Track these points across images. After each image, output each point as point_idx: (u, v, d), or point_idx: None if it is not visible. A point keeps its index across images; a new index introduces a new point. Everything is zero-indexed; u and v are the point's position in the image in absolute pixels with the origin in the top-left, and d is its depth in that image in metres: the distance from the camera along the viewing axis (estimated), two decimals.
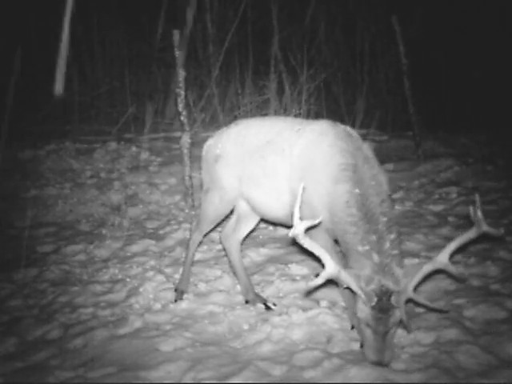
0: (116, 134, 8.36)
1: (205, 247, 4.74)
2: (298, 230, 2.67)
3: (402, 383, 2.69)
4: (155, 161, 7.24)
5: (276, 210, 3.45)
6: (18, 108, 8.23)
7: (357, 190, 2.94)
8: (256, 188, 3.49)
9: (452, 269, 2.79)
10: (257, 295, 3.76)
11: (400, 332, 3.10)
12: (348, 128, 3.27)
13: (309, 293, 3.32)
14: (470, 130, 8.30)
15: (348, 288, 2.84)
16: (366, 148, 3.16)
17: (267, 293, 3.84)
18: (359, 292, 2.74)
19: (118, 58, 9.37)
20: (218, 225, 4.04)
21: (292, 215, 3.16)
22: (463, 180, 6.04)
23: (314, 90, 8.05)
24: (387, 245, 2.83)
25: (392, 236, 2.87)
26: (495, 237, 2.85)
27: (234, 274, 3.96)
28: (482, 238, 4.30)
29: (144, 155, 7.37)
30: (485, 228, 2.75)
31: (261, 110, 8.07)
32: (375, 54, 9.85)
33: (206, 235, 4.05)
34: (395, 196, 5.76)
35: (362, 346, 3.03)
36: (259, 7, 9.12)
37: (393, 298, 2.72)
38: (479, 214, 2.75)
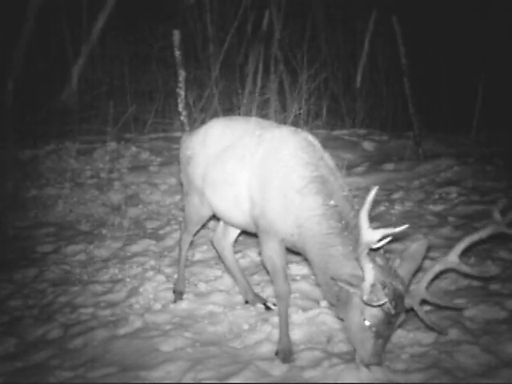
0: (116, 134, 8.36)
1: (205, 247, 4.75)
2: (372, 238, 2.47)
3: (402, 383, 2.69)
4: (155, 161, 7.24)
5: (235, 217, 3.33)
6: (17, 108, 8.26)
7: (332, 202, 2.82)
8: (216, 193, 3.38)
9: (464, 268, 2.70)
10: (256, 295, 3.75)
11: (400, 332, 3.11)
12: (309, 136, 3.09)
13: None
14: (470, 130, 8.30)
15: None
16: (328, 158, 3.01)
17: (267, 293, 3.84)
18: (387, 304, 2.58)
19: (117, 58, 9.37)
20: (205, 224, 4.02)
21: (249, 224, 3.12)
22: (463, 180, 6.04)
23: (313, 90, 8.05)
24: (381, 250, 2.72)
25: None
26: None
27: (231, 276, 3.95)
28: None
29: (144, 155, 7.38)
30: (502, 228, 2.67)
31: (261, 109, 8.07)
32: (375, 54, 9.85)
33: (196, 234, 4.05)
34: (395, 196, 5.76)
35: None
36: (259, 7, 9.12)
37: (406, 301, 2.63)
38: (497, 215, 2.68)
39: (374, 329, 2.68)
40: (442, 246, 4.21)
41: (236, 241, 4.03)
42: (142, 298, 3.90)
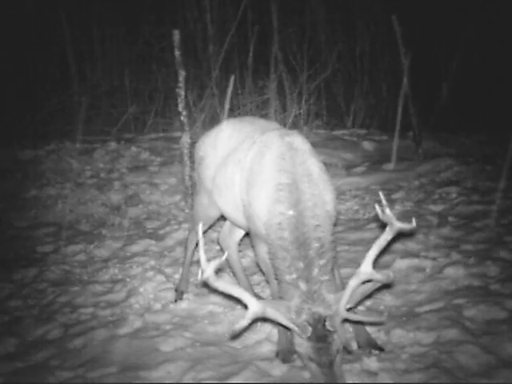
0: (116, 134, 8.37)
1: (205, 247, 4.74)
2: (207, 273, 2.53)
3: (402, 383, 2.69)
4: (155, 161, 7.24)
5: (239, 220, 3.33)
6: (17, 108, 8.26)
7: (290, 212, 2.72)
8: (221, 196, 3.40)
9: (377, 276, 2.57)
10: (256, 295, 3.75)
11: (400, 332, 3.11)
12: (298, 139, 2.99)
13: (235, 337, 3.14)
14: (470, 130, 8.29)
15: (280, 324, 2.67)
16: (313, 163, 2.90)
17: (267, 293, 3.83)
18: (291, 326, 2.55)
19: (118, 58, 9.38)
20: (212, 225, 4.03)
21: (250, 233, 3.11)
22: (463, 180, 6.04)
23: (313, 90, 8.06)
24: (315, 271, 2.63)
25: (322, 262, 2.65)
26: (409, 232, 2.65)
27: (233, 274, 3.96)
28: (481, 237, 4.32)
29: (144, 155, 7.38)
30: (398, 225, 2.58)
31: (261, 109, 8.08)
32: (375, 54, 9.85)
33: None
34: (395, 196, 5.76)
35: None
36: (259, 7, 9.12)
37: (327, 324, 2.52)
38: (388, 211, 2.59)
39: (307, 357, 2.59)
40: (442, 246, 4.22)
41: (241, 240, 4.04)
42: (142, 298, 3.90)
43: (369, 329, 3.11)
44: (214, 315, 3.59)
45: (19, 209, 6.05)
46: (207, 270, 2.55)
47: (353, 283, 2.55)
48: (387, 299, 3.57)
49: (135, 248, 4.90)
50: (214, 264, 2.56)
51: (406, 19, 7.07)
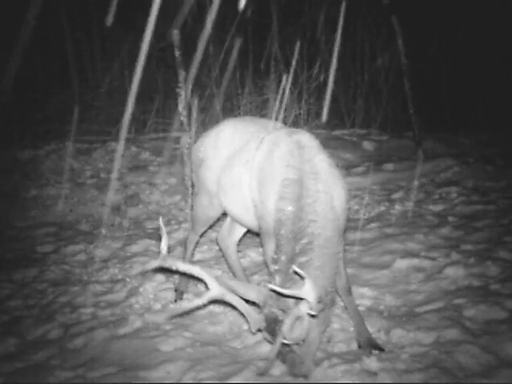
0: (116, 134, 8.36)
1: (205, 247, 4.75)
2: (161, 257, 2.68)
3: (403, 383, 2.69)
4: (155, 161, 7.24)
5: (245, 220, 3.35)
6: (18, 108, 8.25)
7: (289, 208, 2.76)
8: (227, 197, 3.40)
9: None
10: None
11: (400, 332, 3.11)
12: (305, 137, 3.01)
13: (185, 313, 3.29)
14: (470, 130, 8.29)
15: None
16: (321, 159, 2.91)
17: None
18: (246, 316, 2.67)
19: (118, 58, 9.37)
20: (211, 226, 4.03)
21: (258, 227, 3.14)
22: (463, 180, 6.04)
23: (313, 90, 8.06)
24: (292, 268, 2.63)
25: (303, 259, 2.65)
26: None
27: (233, 274, 3.96)
28: (481, 237, 4.32)
29: (144, 155, 7.38)
30: None
31: (261, 109, 8.08)
32: (375, 54, 9.84)
33: (202, 235, 4.05)
34: (395, 196, 5.76)
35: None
36: (259, 7, 9.11)
37: (277, 328, 2.61)
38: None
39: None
40: (442, 246, 4.22)
41: (240, 240, 4.04)
42: (142, 298, 3.90)
43: (369, 328, 3.12)
44: (214, 315, 3.59)
45: (19, 209, 6.05)
46: (162, 252, 2.65)
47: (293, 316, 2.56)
48: (387, 299, 3.57)
49: (135, 248, 4.90)
50: (165, 244, 2.68)
51: (406, 19, 7.07)
